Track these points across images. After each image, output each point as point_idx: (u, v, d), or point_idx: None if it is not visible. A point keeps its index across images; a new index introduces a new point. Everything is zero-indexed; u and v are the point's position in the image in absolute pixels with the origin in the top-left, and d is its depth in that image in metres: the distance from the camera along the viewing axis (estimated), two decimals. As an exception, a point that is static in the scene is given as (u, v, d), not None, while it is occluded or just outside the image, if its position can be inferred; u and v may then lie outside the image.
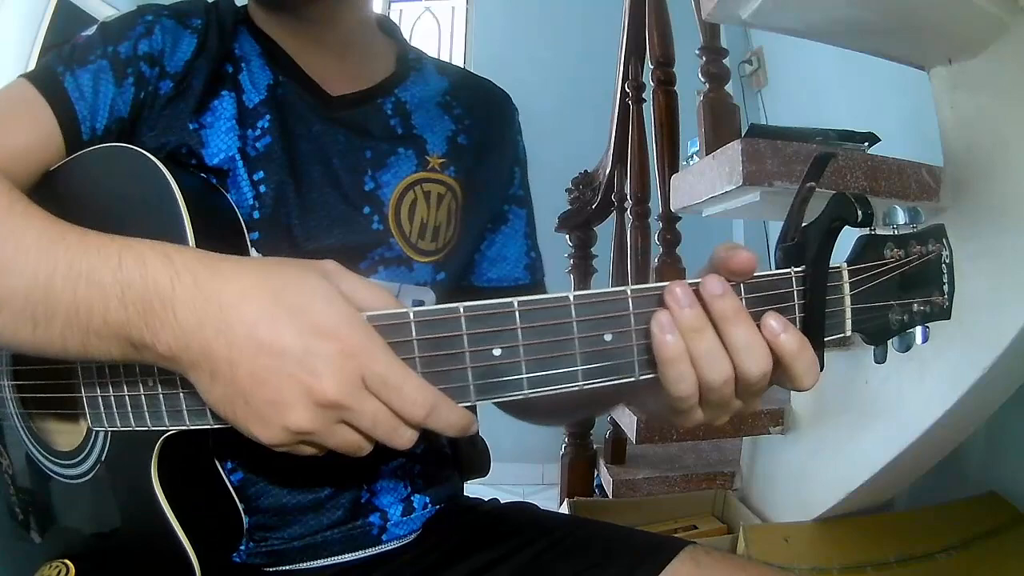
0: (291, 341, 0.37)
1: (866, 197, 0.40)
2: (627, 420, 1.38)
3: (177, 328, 0.38)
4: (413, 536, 0.65)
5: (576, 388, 0.39)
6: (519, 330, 0.38)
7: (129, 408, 0.47)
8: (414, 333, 0.39)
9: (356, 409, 0.38)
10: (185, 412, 0.45)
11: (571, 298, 0.39)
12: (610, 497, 1.61)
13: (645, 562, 0.57)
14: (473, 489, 0.76)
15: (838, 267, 0.42)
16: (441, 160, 0.66)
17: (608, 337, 0.39)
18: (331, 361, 0.37)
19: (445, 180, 0.65)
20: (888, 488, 1.22)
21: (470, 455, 0.75)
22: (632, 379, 0.40)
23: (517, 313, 0.38)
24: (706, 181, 1.01)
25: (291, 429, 0.38)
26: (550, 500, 2.28)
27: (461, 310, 0.39)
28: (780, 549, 1.16)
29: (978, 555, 1.10)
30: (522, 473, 2.74)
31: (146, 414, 0.47)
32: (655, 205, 1.60)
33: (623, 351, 0.39)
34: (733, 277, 0.40)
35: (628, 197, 1.76)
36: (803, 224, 0.42)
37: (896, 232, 0.43)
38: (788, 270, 0.41)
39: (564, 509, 1.57)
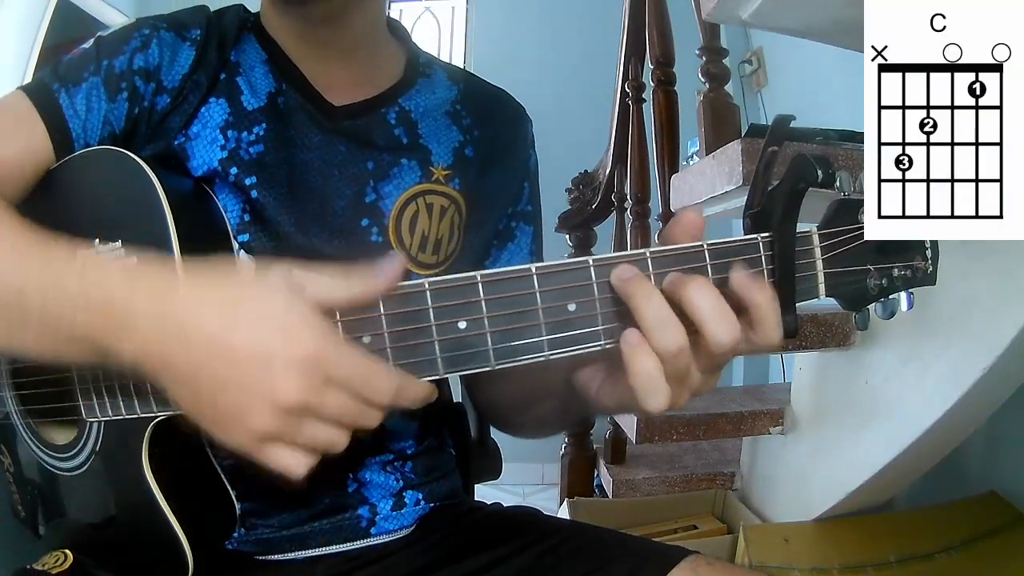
0: (249, 351, 0.37)
1: (827, 158, 0.40)
2: (627, 420, 1.38)
3: (138, 339, 0.38)
4: (405, 532, 0.65)
5: (543, 358, 0.40)
6: (483, 302, 0.39)
7: (120, 397, 0.48)
8: (382, 309, 0.39)
9: (319, 405, 0.37)
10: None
11: (533, 269, 0.39)
12: (610, 497, 1.61)
13: (646, 569, 0.57)
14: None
15: (808, 232, 0.42)
16: (446, 172, 0.65)
17: (572, 307, 0.39)
18: (289, 369, 0.36)
19: (449, 193, 0.65)
20: (888, 488, 1.21)
21: (480, 457, 0.74)
22: (598, 347, 0.40)
23: (480, 286, 0.39)
24: (706, 181, 1.01)
25: (255, 432, 0.38)
26: (550, 500, 2.28)
27: (426, 285, 0.39)
28: (780, 549, 1.16)
29: (978, 555, 1.10)
30: (522, 473, 2.74)
31: (135, 401, 0.48)
32: (655, 205, 1.61)
33: (587, 320, 0.40)
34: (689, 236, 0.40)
35: (628, 197, 1.77)
36: (768, 189, 0.42)
37: None
38: (755, 235, 0.41)
39: (564, 509, 1.57)
